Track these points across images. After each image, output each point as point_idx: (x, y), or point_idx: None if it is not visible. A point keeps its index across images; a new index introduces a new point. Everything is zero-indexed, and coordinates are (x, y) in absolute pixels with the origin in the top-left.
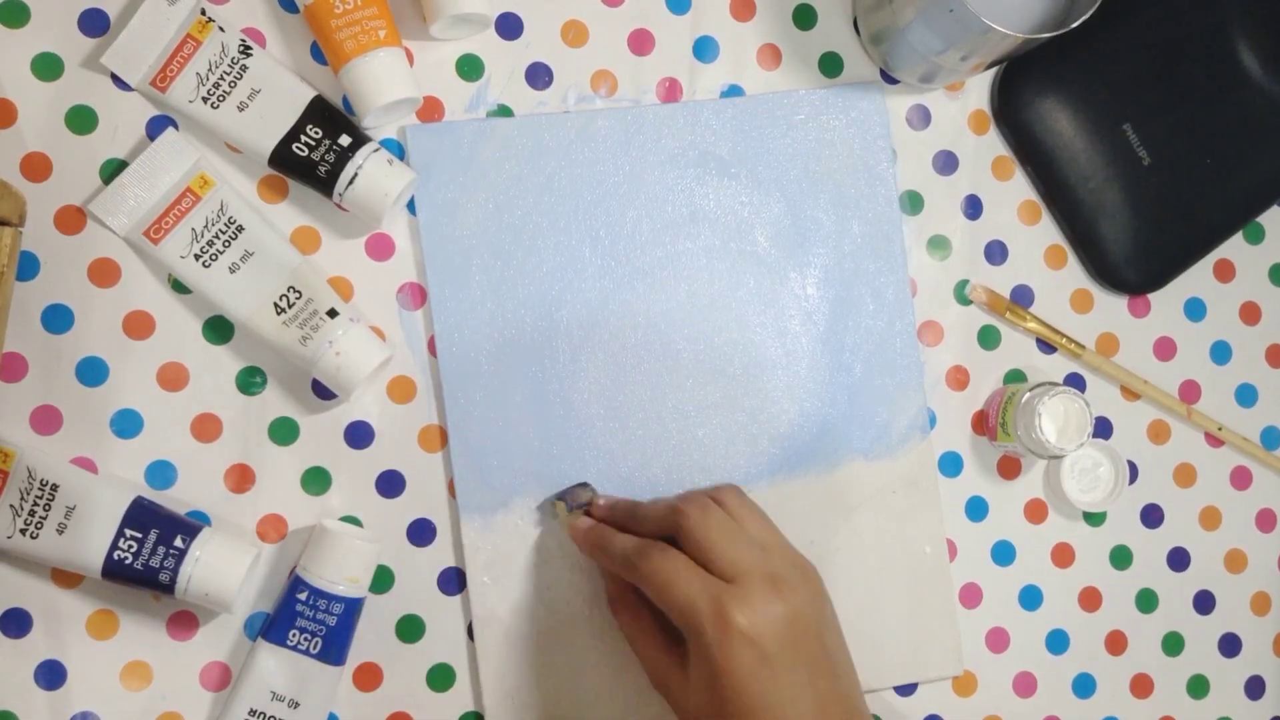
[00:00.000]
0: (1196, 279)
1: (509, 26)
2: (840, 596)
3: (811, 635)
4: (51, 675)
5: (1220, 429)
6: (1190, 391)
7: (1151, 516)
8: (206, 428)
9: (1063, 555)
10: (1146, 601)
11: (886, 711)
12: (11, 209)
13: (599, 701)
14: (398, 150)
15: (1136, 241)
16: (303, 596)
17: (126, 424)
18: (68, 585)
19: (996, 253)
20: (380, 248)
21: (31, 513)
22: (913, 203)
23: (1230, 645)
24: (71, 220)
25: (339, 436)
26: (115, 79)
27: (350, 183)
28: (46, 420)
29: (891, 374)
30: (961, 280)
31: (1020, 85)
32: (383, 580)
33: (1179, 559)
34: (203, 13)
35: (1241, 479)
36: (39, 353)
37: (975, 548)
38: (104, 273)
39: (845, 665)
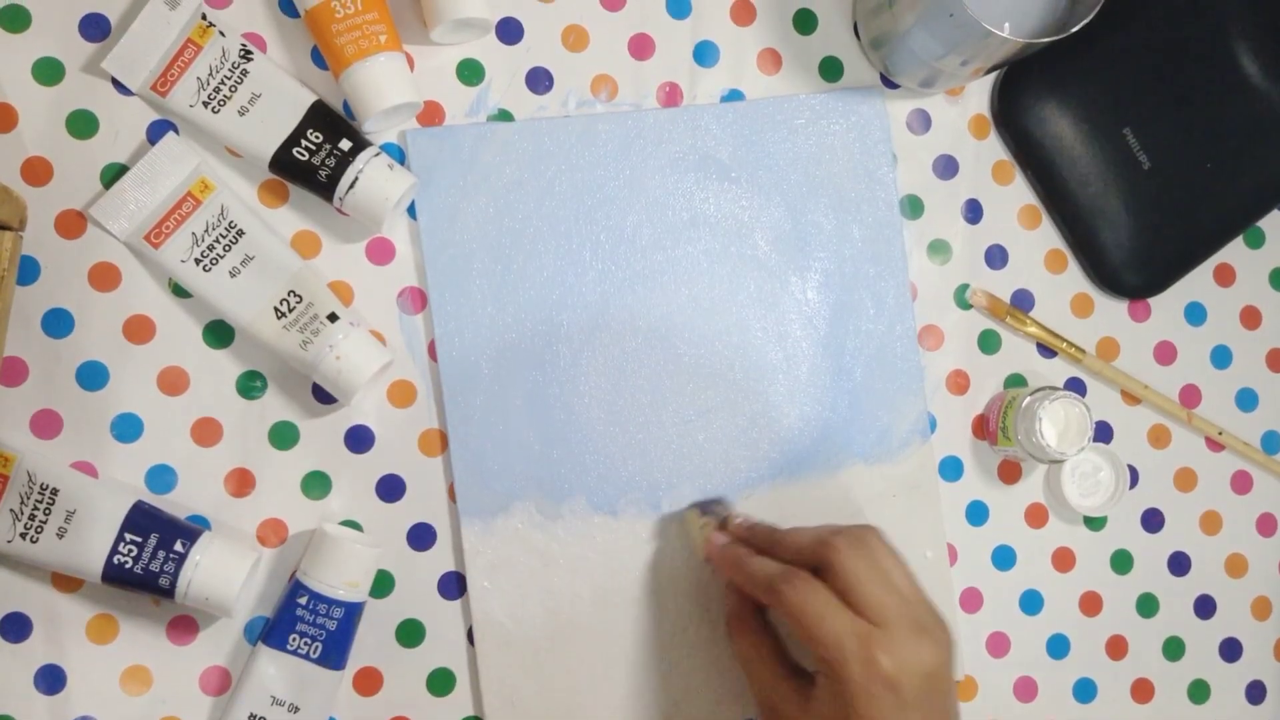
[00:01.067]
0: (1197, 283)
1: (509, 31)
2: None
3: (943, 691)
4: (51, 680)
5: (1221, 433)
6: (1191, 396)
7: (1152, 521)
8: (207, 432)
9: (1063, 560)
10: (1147, 606)
11: None
12: (12, 213)
13: (599, 705)
14: (398, 155)
15: (1137, 246)
16: (303, 601)
17: (127, 428)
18: (68, 589)
19: (997, 257)
20: (381, 252)
21: (32, 517)
22: (913, 207)
23: (1231, 650)
24: (72, 224)
25: (339, 441)
26: (116, 83)
27: (351, 187)
28: (47, 424)
29: (892, 378)
30: (962, 284)
31: (1020, 90)
32: (383, 584)
33: (1179, 563)
34: (203, 17)
35: (1242, 483)
36: (39, 357)
37: (976, 552)
38: (104, 277)
39: None
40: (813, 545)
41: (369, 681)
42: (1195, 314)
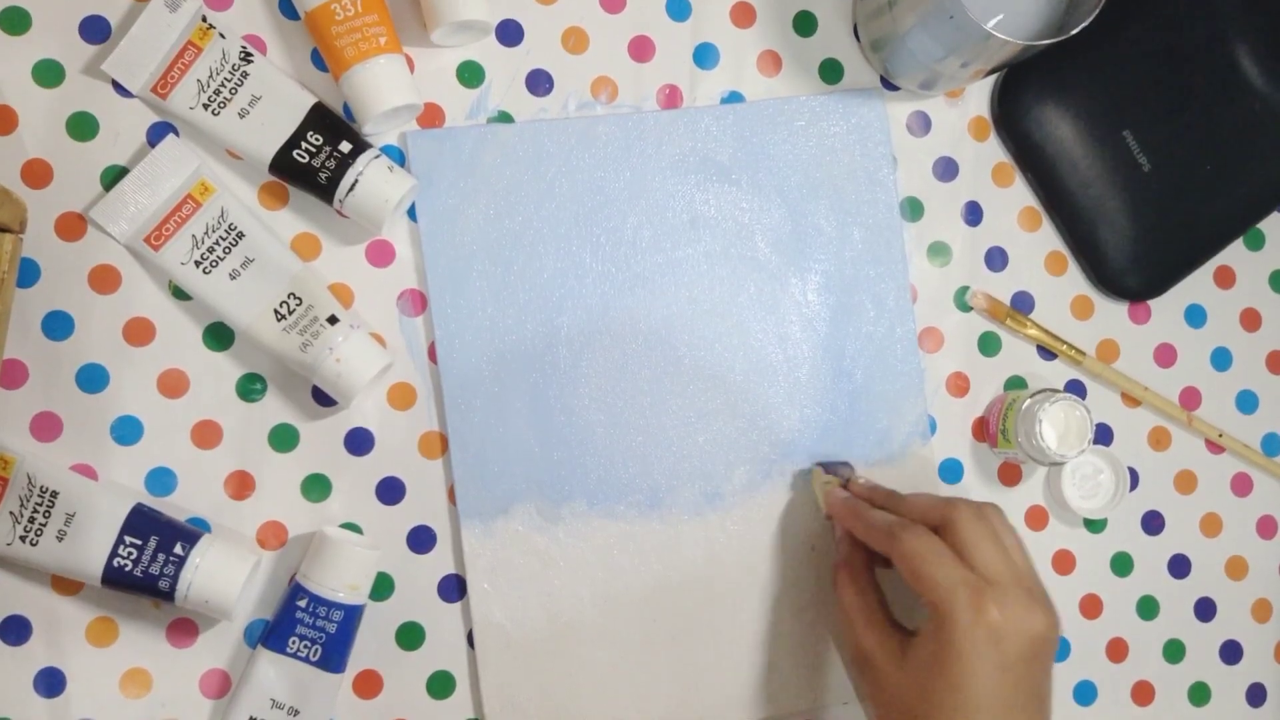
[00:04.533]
0: (1197, 285)
1: (509, 33)
2: None
3: (1042, 668)
4: (51, 683)
5: (1221, 435)
6: (1191, 398)
7: (1152, 523)
8: (206, 434)
9: (1063, 562)
10: (1147, 608)
11: None
12: (12, 216)
13: (599, 707)
14: (398, 157)
15: (1137, 248)
16: (303, 604)
17: (126, 431)
18: (67, 592)
19: (997, 259)
20: (381, 254)
21: (31, 520)
22: (913, 209)
23: (1231, 652)
24: (72, 227)
25: (339, 443)
26: (116, 86)
27: (351, 189)
28: (46, 427)
29: (892, 380)
30: (962, 287)
31: (1020, 92)
32: (383, 587)
33: (1180, 566)
34: (204, 19)
35: (1242, 485)
36: (39, 359)
37: None
38: (104, 279)
39: (1050, 713)
40: (935, 504)
41: (369, 684)
42: (1195, 316)
